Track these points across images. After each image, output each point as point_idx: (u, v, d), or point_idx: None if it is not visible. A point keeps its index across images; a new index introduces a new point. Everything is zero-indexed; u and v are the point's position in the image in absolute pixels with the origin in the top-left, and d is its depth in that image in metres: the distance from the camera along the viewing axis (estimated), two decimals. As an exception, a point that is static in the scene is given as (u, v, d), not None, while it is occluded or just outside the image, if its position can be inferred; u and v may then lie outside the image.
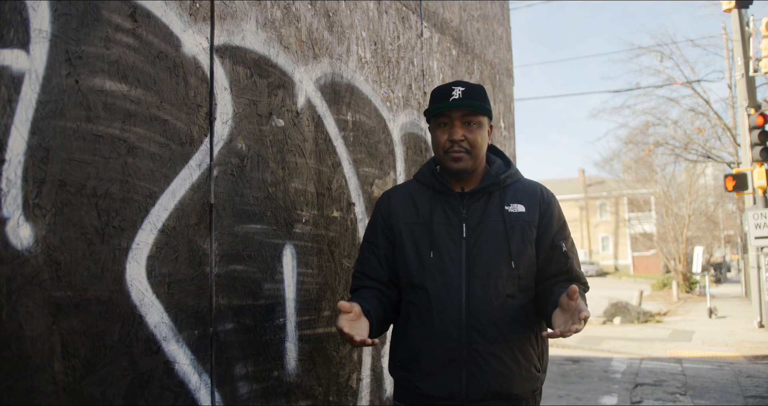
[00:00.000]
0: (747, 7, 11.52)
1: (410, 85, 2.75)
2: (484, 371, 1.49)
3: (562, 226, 1.64)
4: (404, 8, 2.75)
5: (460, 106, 1.54)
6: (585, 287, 1.59)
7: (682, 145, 18.20)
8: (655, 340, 9.44)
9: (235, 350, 1.64)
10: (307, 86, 2.02)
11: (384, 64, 2.54)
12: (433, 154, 1.84)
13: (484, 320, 1.50)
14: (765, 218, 9.05)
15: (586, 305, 1.43)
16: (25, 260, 1.15)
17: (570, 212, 37.74)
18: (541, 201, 1.63)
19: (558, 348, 8.57)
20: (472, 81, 3.49)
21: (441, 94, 1.59)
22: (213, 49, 1.63)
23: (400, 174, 2.60)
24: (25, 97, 1.17)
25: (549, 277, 1.59)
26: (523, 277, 1.56)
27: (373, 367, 2.34)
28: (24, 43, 1.17)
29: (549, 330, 1.40)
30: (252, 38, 1.78)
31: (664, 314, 13.79)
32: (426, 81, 2.91)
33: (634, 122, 29.93)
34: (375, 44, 2.48)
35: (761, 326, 10.07)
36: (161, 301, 1.43)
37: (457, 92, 1.56)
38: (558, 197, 1.71)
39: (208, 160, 1.59)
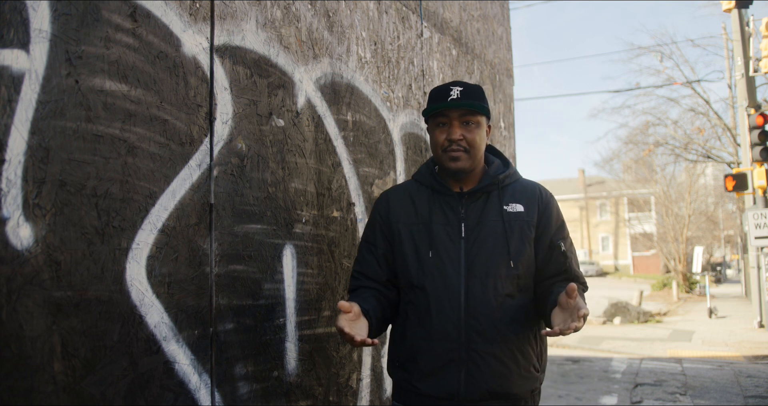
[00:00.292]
0: (747, 7, 11.52)
1: (410, 85, 2.75)
2: (483, 371, 1.49)
3: (561, 226, 1.64)
4: (404, 8, 2.75)
5: (459, 105, 1.54)
6: (584, 287, 1.59)
7: (682, 145, 18.21)
8: (655, 340, 9.44)
9: (235, 350, 1.65)
10: (307, 86, 2.02)
11: (384, 64, 2.54)
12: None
13: (483, 320, 1.50)
14: (765, 218, 9.05)
15: (585, 304, 1.43)
16: (25, 260, 1.15)
17: (570, 212, 37.75)
18: (540, 201, 1.63)
19: (558, 348, 8.57)
20: (472, 81, 3.49)
21: (439, 94, 1.59)
22: (213, 49, 1.63)
23: (400, 174, 2.60)
24: (25, 97, 1.17)
25: (548, 277, 1.59)
26: (522, 277, 1.56)
27: (373, 367, 2.34)
28: (24, 43, 1.17)
29: (548, 329, 1.40)
30: (252, 38, 1.78)
31: (664, 314, 13.79)
32: (426, 81, 2.91)
33: (634, 122, 29.96)
34: (375, 44, 2.48)
35: (761, 326, 10.07)
36: (161, 301, 1.43)
37: (456, 92, 1.56)
38: (558, 197, 1.72)
39: (208, 160, 1.59)
